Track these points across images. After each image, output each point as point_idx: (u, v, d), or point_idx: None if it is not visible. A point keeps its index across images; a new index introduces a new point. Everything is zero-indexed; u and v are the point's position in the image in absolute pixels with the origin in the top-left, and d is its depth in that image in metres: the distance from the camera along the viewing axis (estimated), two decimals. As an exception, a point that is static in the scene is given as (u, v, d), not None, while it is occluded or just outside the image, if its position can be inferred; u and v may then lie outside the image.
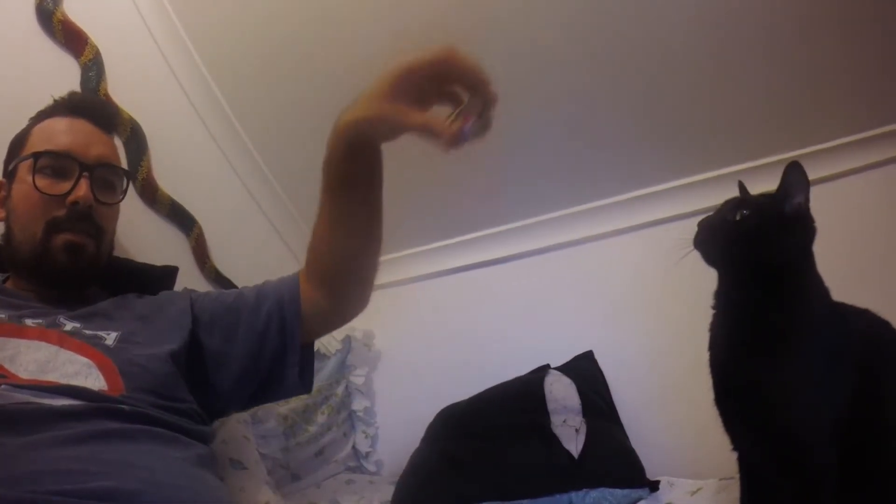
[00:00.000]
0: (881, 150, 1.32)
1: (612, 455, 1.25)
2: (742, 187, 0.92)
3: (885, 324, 0.81)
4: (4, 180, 0.93)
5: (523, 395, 1.40)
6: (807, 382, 0.76)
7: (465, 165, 1.55)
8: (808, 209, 0.81)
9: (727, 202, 0.85)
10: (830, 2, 1.19)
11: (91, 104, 0.99)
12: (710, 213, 0.86)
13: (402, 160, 1.52)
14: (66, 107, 0.95)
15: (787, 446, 0.75)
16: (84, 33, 1.22)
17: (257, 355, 0.91)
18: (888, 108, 1.30)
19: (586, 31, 1.31)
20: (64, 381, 0.72)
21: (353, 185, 0.86)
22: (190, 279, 1.33)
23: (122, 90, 1.26)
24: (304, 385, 0.95)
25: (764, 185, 1.35)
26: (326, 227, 0.90)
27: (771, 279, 0.78)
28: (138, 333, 0.86)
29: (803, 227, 0.80)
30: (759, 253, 0.79)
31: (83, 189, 0.87)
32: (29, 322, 0.79)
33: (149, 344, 0.86)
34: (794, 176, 0.80)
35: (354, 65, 1.41)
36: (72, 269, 0.87)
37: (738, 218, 0.80)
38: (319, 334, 1.01)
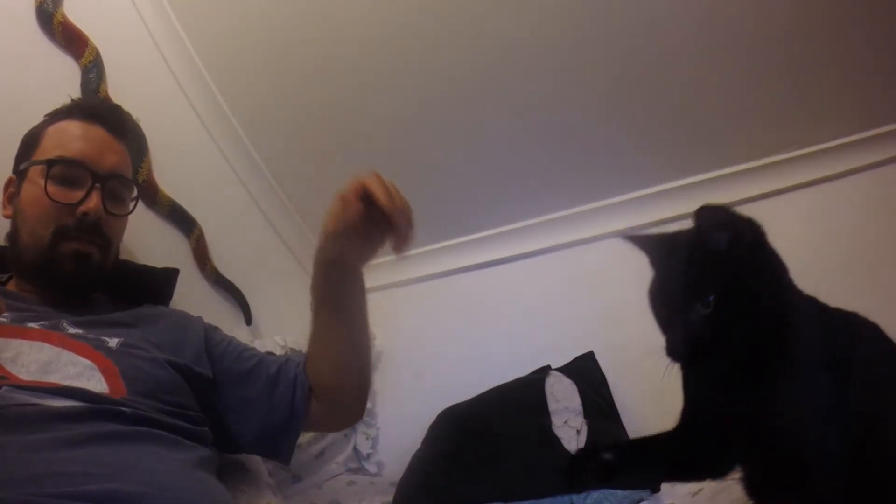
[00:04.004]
0: (868, 153, 1.33)
1: (614, 456, 1.25)
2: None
3: (875, 327, 0.78)
4: (14, 177, 0.93)
5: (525, 396, 1.41)
6: (810, 404, 0.72)
7: (469, 166, 1.56)
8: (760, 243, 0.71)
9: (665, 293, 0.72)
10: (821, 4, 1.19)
11: (106, 110, 0.98)
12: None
13: (405, 161, 1.54)
14: (81, 110, 0.95)
15: (794, 471, 0.73)
16: (84, 35, 1.22)
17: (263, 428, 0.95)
18: (875, 111, 1.30)
19: (586, 35, 1.31)
20: (66, 382, 0.72)
21: (334, 306, 0.94)
22: (190, 281, 1.33)
23: (121, 92, 1.26)
24: (287, 460, 0.99)
25: (763, 185, 1.37)
26: (317, 347, 0.96)
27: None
28: (143, 340, 0.87)
29: (770, 268, 0.71)
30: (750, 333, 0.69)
31: (94, 200, 0.87)
32: (31, 325, 0.79)
33: (153, 350, 0.86)
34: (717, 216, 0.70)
35: (356, 66, 1.43)
36: (77, 277, 0.88)
37: (706, 313, 0.66)
38: (308, 430, 1.08)
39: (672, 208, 1.43)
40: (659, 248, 0.76)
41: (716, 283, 0.66)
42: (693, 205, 1.40)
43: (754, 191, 1.39)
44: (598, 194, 1.54)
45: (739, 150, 1.40)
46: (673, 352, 0.71)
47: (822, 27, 1.22)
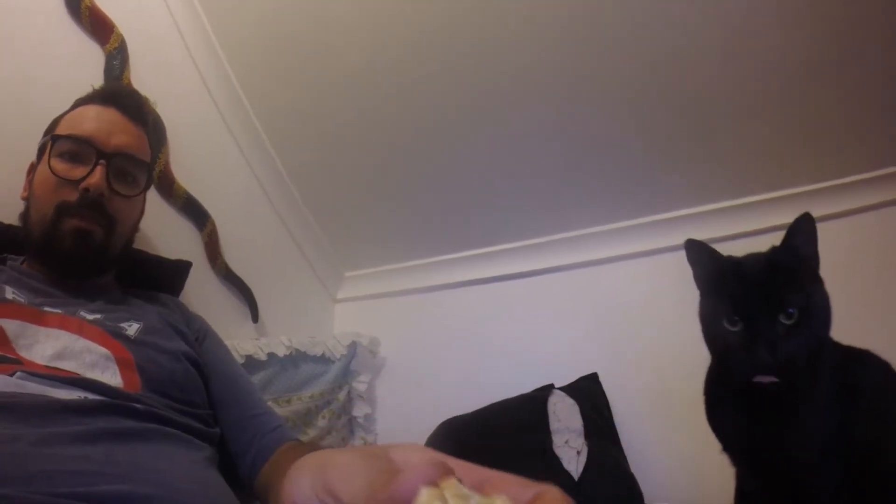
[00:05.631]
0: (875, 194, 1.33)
1: (612, 478, 1.24)
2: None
3: (886, 365, 0.79)
4: (34, 162, 0.93)
5: (526, 413, 1.40)
6: (823, 436, 0.74)
7: (486, 180, 1.56)
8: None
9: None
10: (834, 47, 1.20)
11: (123, 93, 0.98)
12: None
13: (423, 170, 1.54)
14: (100, 94, 0.95)
15: (802, 495, 0.74)
16: (111, 21, 1.22)
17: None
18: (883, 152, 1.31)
19: (590, 58, 1.31)
20: (81, 371, 0.71)
21: None
22: (200, 274, 1.33)
23: (144, 80, 1.25)
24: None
25: (767, 219, 1.36)
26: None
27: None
28: (160, 328, 0.86)
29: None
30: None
31: (97, 176, 0.85)
32: (48, 309, 0.78)
33: (170, 340, 0.85)
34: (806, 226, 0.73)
35: (375, 66, 1.42)
36: (77, 256, 0.86)
37: (790, 323, 0.69)
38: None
39: (684, 236, 1.43)
40: (721, 264, 0.77)
41: (797, 295, 0.69)
42: (705, 233, 1.41)
43: (759, 224, 1.38)
44: (616, 217, 1.54)
45: (755, 182, 1.40)
46: (757, 363, 0.71)
47: (829, 72, 1.22)
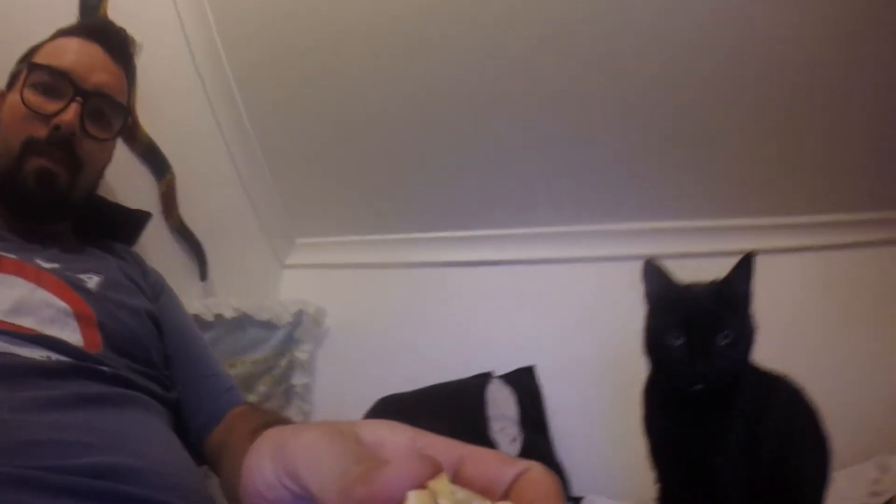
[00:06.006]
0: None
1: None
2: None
3: (800, 390, 0.91)
4: (4, 90, 0.86)
5: (465, 398, 1.45)
6: (735, 443, 0.84)
7: (449, 166, 1.58)
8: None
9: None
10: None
11: (108, 30, 0.92)
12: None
13: (396, 150, 1.54)
14: (83, 28, 0.90)
15: (716, 497, 0.84)
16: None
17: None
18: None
19: (592, 65, 1.37)
20: (39, 328, 0.66)
21: None
22: (153, 226, 1.27)
23: (120, 14, 1.18)
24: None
25: (716, 244, 1.48)
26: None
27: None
28: (121, 282, 0.82)
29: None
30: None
31: (70, 113, 0.80)
32: (2, 254, 0.72)
33: (130, 295, 0.82)
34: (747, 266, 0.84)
35: (366, 50, 1.41)
36: (39, 198, 0.81)
37: (726, 343, 0.80)
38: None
39: (634, 248, 1.52)
40: (673, 286, 0.87)
41: (734, 320, 0.80)
42: (654, 249, 1.50)
43: (708, 248, 1.49)
44: (568, 219, 1.61)
45: (711, 207, 1.51)
46: (695, 372, 0.81)
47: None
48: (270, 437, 0.31)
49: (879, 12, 1.19)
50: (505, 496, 0.27)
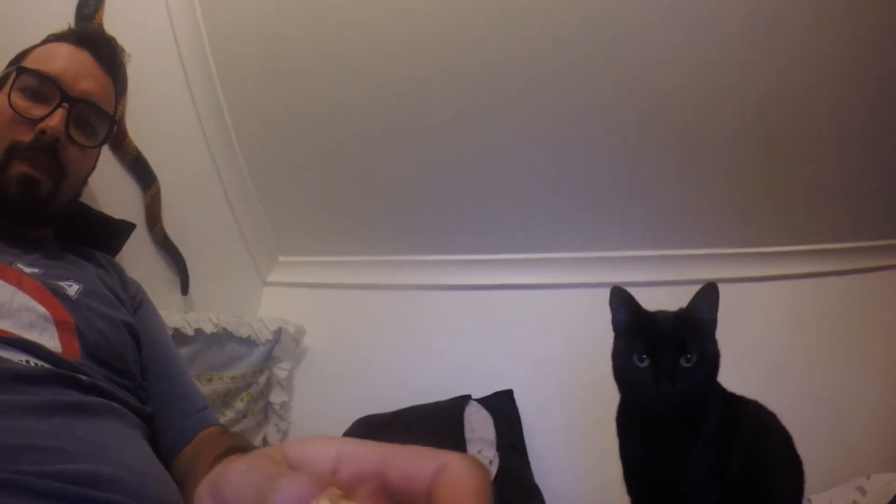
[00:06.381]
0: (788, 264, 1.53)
1: (520, 491, 1.32)
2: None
3: (772, 416, 0.94)
4: None
5: (443, 420, 1.45)
6: (705, 467, 0.86)
7: (434, 190, 1.60)
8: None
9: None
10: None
11: (98, 38, 0.93)
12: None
13: (380, 171, 1.56)
14: (75, 35, 0.90)
15: None
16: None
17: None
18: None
19: (568, 87, 1.41)
20: (17, 331, 0.66)
21: None
22: (137, 237, 1.27)
23: (115, 25, 1.19)
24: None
25: (683, 273, 1.52)
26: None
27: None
28: (100, 292, 0.82)
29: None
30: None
31: (56, 119, 0.81)
32: None
33: (109, 306, 0.82)
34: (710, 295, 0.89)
35: (341, 53, 1.43)
36: (21, 204, 0.81)
37: (688, 367, 0.83)
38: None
39: (618, 276, 1.54)
40: (639, 312, 0.90)
41: (697, 345, 0.83)
42: (638, 276, 1.53)
43: (675, 276, 1.53)
44: (547, 247, 1.64)
45: (698, 236, 1.55)
46: (660, 392, 0.83)
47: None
48: (214, 470, 0.31)
49: (861, 47, 1.23)
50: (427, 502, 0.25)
